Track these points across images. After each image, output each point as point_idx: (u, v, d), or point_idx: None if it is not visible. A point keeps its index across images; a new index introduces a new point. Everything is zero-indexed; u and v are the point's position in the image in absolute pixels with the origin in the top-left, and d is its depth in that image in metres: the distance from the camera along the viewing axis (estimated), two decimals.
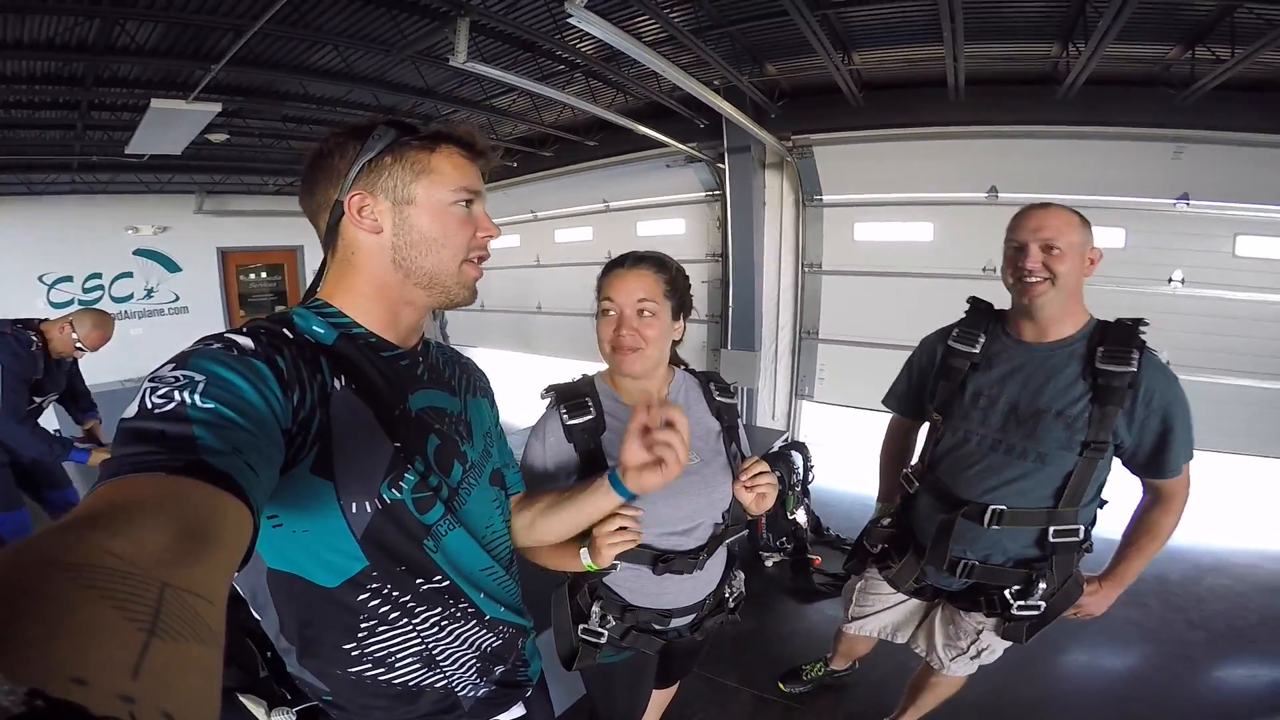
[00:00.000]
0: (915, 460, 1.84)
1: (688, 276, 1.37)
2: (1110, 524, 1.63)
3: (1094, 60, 3.31)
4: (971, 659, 1.75)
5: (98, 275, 6.89)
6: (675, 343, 1.37)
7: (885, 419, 2.00)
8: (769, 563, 3.49)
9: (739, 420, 1.46)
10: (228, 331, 0.69)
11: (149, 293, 7.24)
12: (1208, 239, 4.19)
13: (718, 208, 5.78)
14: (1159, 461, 1.46)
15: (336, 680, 0.83)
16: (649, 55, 3.01)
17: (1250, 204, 4.04)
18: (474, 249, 0.88)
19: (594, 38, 3.15)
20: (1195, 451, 1.47)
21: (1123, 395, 1.41)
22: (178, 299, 7.35)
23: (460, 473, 0.91)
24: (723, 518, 1.36)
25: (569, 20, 2.59)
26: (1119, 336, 1.45)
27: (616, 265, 1.32)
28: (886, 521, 1.86)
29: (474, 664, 0.93)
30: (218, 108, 4.06)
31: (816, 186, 5.23)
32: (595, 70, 4.37)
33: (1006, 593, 1.57)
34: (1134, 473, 1.53)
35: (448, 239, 0.85)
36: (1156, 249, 4.32)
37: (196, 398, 0.57)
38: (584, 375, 1.41)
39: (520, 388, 2.92)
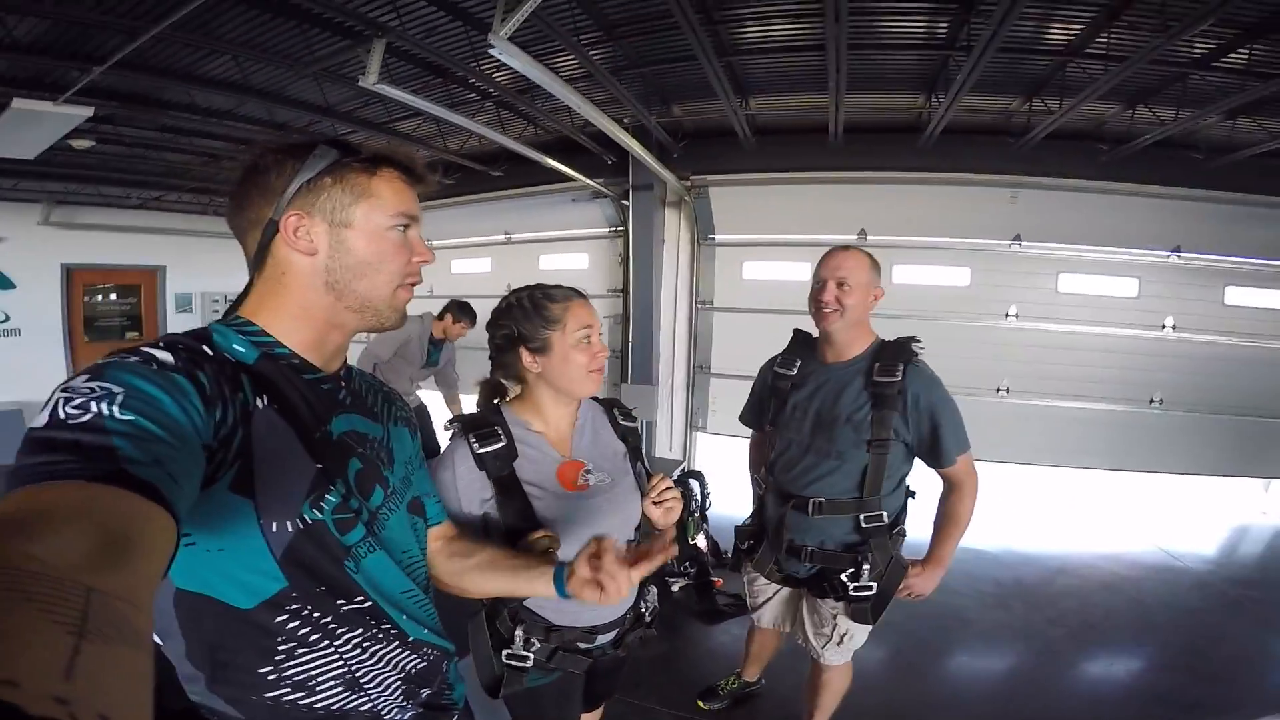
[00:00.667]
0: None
1: None
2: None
3: (951, 110, 3.85)
4: (839, 645, 1.96)
5: None
6: None
7: None
8: (675, 587, 3.57)
9: (641, 442, 1.58)
10: (144, 345, 0.67)
11: None
12: (1037, 277, 4.93)
13: (620, 244, 5.97)
14: (936, 452, 1.76)
15: (251, 707, 0.79)
16: (566, 91, 3.12)
17: (1071, 244, 4.82)
18: (408, 275, 0.88)
19: (508, 68, 3.24)
20: (972, 446, 1.80)
21: (895, 401, 1.73)
22: (8, 319, 6.42)
23: (381, 497, 0.90)
24: (635, 534, 1.42)
25: (490, 52, 2.64)
26: (890, 354, 1.78)
27: (573, 295, 1.37)
28: (749, 521, 2.17)
29: (399, 686, 0.91)
30: (89, 112, 3.72)
31: (710, 226, 5.59)
32: (507, 101, 4.46)
33: (843, 576, 1.82)
34: (929, 465, 1.84)
35: (383, 264, 0.84)
36: (996, 286, 5.01)
37: (115, 409, 0.55)
38: (488, 406, 1.42)
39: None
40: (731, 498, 4.79)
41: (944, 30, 3.34)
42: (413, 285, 0.89)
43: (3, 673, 0.25)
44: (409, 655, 0.92)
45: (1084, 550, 4.26)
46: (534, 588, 1.06)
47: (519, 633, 1.33)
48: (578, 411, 1.44)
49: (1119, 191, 4.56)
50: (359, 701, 0.86)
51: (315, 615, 0.80)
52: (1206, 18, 2.59)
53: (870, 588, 1.80)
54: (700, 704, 2.53)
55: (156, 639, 0.74)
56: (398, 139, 5.18)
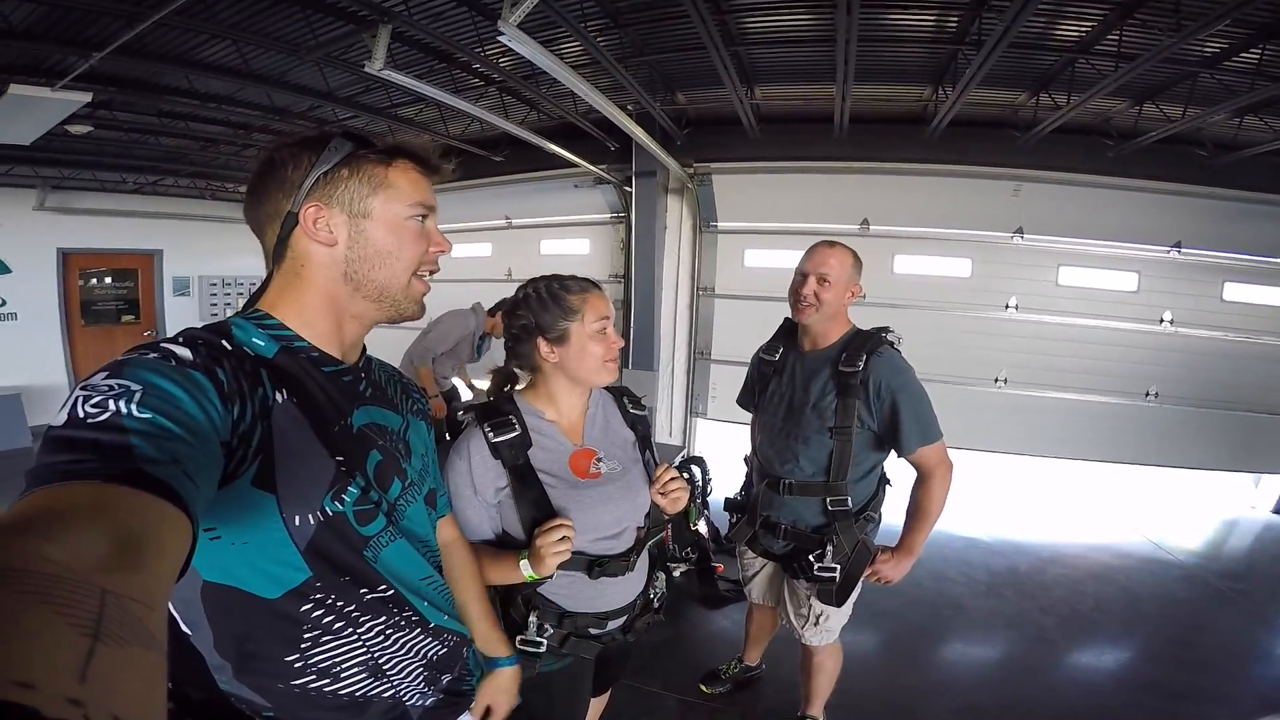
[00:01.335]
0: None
1: None
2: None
3: (958, 103, 3.83)
4: (816, 626, 2.02)
5: None
6: None
7: None
8: (676, 573, 3.61)
9: (651, 430, 1.59)
10: (164, 341, 0.68)
11: None
12: (1037, 269, 4.95)
13: (622, 230, 5.97)
14: (896, 438, 1.80)
15: (278, 694, 0.81)
16: (572, 77, 3.11)
17: (1073, 238, 4.84)
18: (425, 264, 0.89)
19: (513, 54, 3.21)
20: (968, 439, 1.87)
21: (858, 389, 1.78)
22: (4, 304, 6.37)
23: (399, 489, 0.92)
24: (645, 521, 1.45)
25: (499, 39, 2.62)
26: (859, 344, 1.83)
27: (590, 287, 1.37)
28: (738, 494, 2.25)
29: (421, 673, 0.93)
30: (87, 98, 3.66)
31: (713, 213, 5.57)
32: (510, 86, 4.42)
33: (810, 556, 1.88)
34: (896, 453, 1.87)
35: (401, 253, 0.85)
36: (996, 277, 5.03)
37: (133, 407, 0.55)
38: (502, 393, 1.44)
39: None
40: (732, 483, 4.82)
41: (954, 24, 3.32)
42: (430, 274, 0.90)
43: (19, 675, 0.26)
44: (430, 642, 0.94)
45: (1076, 541, 4.33)
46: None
47: (532, 619, 1.36)
48: (589, 400, 1.47)
49: (1122, 186, 4.56)
50: (382, 688, 0.88)
51: (339, 604, 0.81)
52: (1222, 18, 2.57)
53: (833, 569, 1.86)
54: (703, 688, 2.58)
55: (185, 629, 0.77)
56: (399, 124, 5.13)
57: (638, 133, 4.17)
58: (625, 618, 1.47)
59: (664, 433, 6.06)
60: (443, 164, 0.90)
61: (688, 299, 5.89)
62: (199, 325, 0.76)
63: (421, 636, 0.92)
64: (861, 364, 1.78)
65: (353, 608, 0.83)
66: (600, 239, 6.24)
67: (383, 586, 0.86)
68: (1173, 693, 2.65)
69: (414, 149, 0.87)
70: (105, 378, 0.58)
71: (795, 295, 1.87)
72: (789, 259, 1.93)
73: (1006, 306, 5.04)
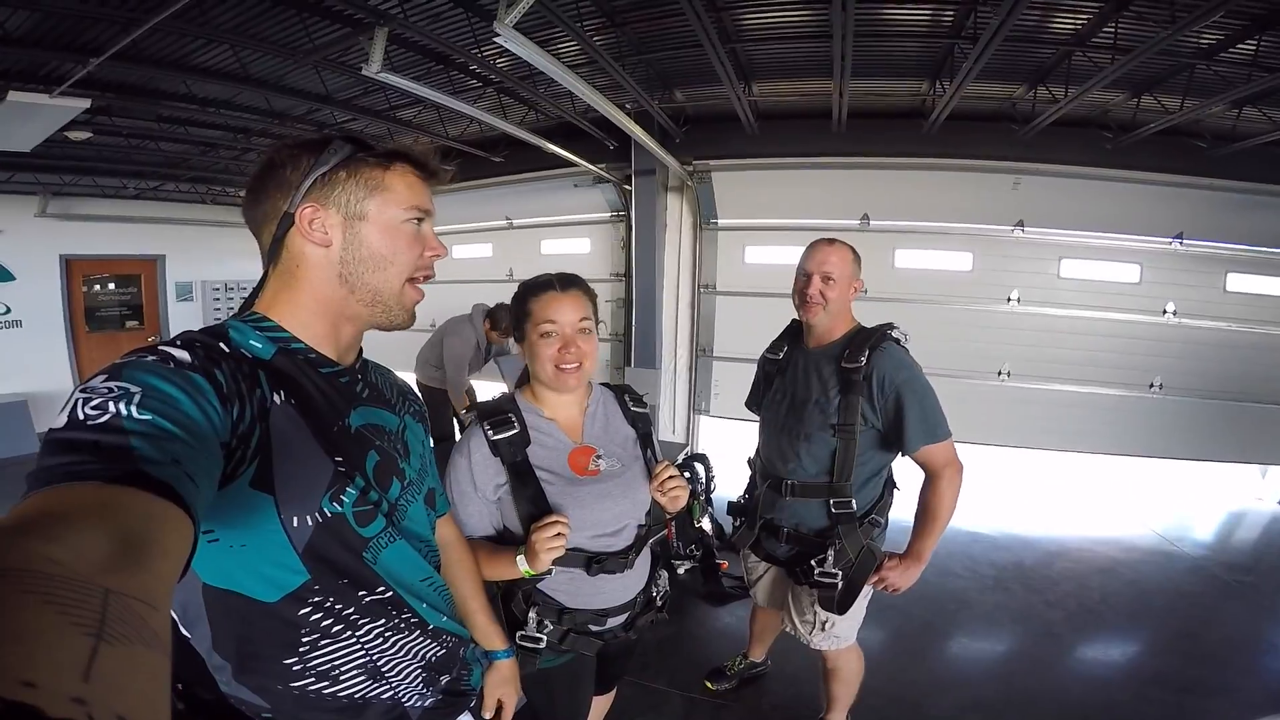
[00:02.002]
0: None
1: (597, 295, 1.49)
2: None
3: (956, 97, 3.83)
4: (823, 632, 1.97)
5: None
6: None
7: None
8: (680, 570, 3.60)
9: (652, 428, 1.58)
10: (162, 344, 0.68)
11: None
12: (1039, 262, 4.94)
13: (622, 228, 5.98)
14: (901, 436, 1.74)
15: (277, 696, 0.81)
16: (570, 77, 3.11)
17: (1074, 230, 4.83)
18: (420, 268, 0.88)
19: (510, 54, 3.22)
20: (971, 433, 1.83)
21: (861, 386, 1.74)
22: (9, 311, 6.40)
23: (399, 489, 0.92)
24: (645, 518, 1.45)
25: (495, 40, 2.63)
26: (862, 340, 1.80)
27: (547, 288, 1.36)
28: (741, 497, 2.20)
29: (420, 674, 0.93)
30: (85, 104, 3.68)
31: (713, 210, 5.58)
32: (508, 87, 4.42)
33: (812, 561, 1.83)
34: (902, 453, 1.82)
35: (396, 256, 0.85)
36: (998, 270, 5.02)
37: (133, 409, 0.56)
38: (503, 394, 1.46)
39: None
40: (735, 481, 4.82)
41: (950, 19, 3.31)
42: (425, 279, 0.90)
43: (23, 674, 0.26)
44: (429, 644, 0.94)
45: (1082, 534, 4.31)
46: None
47: (532, 615, 1.37)
48: (588, 398, 1.47)
49: (1122, 179, 4.55)
50: (380, 690, 0.88)
51: (338, 607, 0.81)
52: (1216, 10, 2.56)
53: (835, 575, 1.79)
54: (708, 684, 2.58)
55: (184, 631, 0.77)
56: (398, 126, 5.14)
57: (636, 131, 4.17)
58: (626, 615, 1.47)
59: (667, 430, 6.06)
60: (441, 168, 0.90)
61: (689, 296, 5.90)
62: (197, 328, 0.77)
63: (420, 638, 0.92)
64: (864, 359, 1.74)
65: (351, 611, 0.83)
66: (601, 238, 6.25)
67: (381, 589, 0.86)
68: (1180, 686, 2.64)
69: (413, 153, 0.87)
70: (104, 380, 0.58)
71: (801, 295, 1.85)
72: (790, 255, 1.92)
73: (1008, 300, 5.03)
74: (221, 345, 0.74)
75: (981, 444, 4.92)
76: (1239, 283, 4.73)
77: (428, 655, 0.94)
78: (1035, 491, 5.12)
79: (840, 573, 1.79)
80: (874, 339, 1.78)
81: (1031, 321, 5.02)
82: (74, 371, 6.88)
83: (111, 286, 7.35)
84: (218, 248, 7.81)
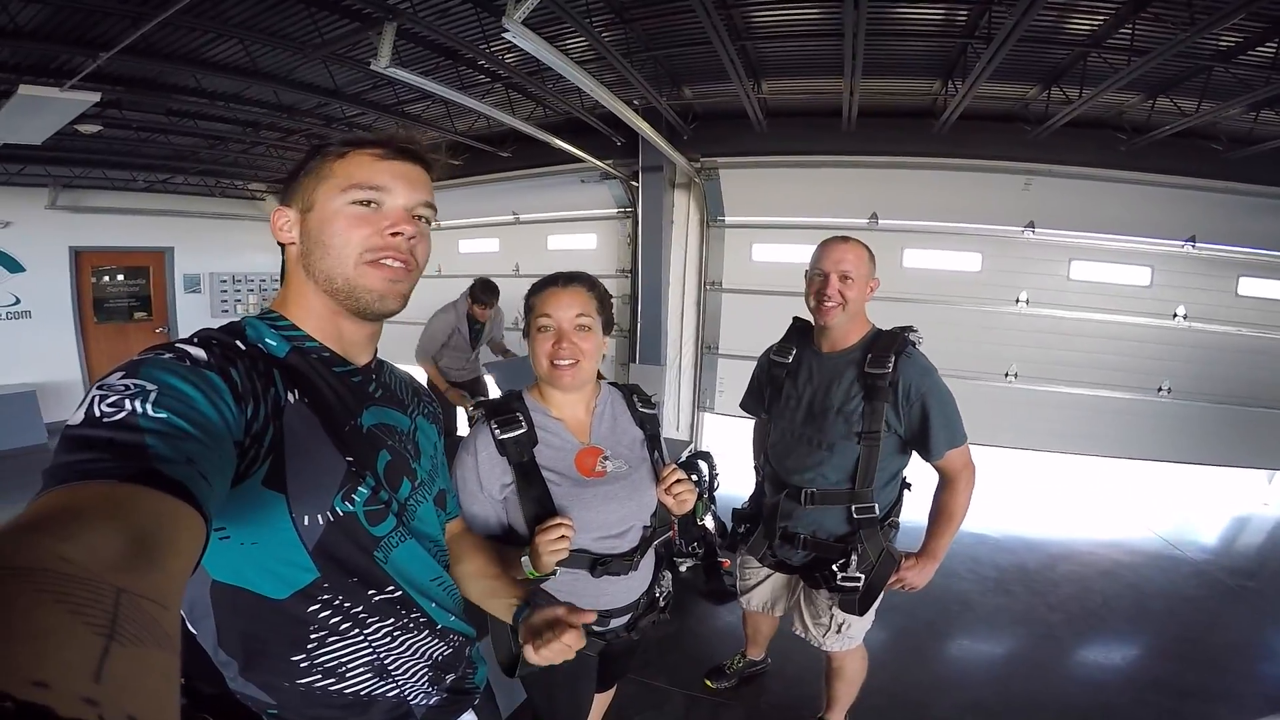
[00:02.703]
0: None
1: (610, 295, 1.46)
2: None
3: (968, 97, 3.79)
4: (838, 634, 1.96)
5: None
6: (601, 358, 1.45)
7: None
8: (683, 568, 3.62)
9: (660, 429, 1.57)
10: (178, 341, 0.69)
11: None
12: (1049, 263, 4.90)
13: (628, 224, 5.96)
14: (925, 443, 1.73)
15: (284, 693, 0.81)
16: (578, 73, 3.10)
17: (1085, 232, 4.79)
18: (379, 249, 0.83)
19: (518, 50, 3.21)
20: (974, 436, 1.78)
21: (887, 392, 1.70)
22: (18, 302, 6.44)
23: (409, 489, 0.92)
24: (650, 520, 1.44)
25: (504, 35, 2.62)
26: (883, 344, 1.76)
27: (550, 284, 1.36)
28: (746, 505, 2.18)
29: (426, 673, 0.93)
30: (95, 97, 3.69)
31: (720, 208, 5.55)
32: (516, 82, 4.41)
33: (834, 566, 1.82)
34: (922, 457, 1.81)
35: (336, 238, 0.82)
36: (1007, 272, 4.99)
37: (149, 407, 0.56)
38: (510, 391, 1.44)
39: None
40: (739, 478, 4.83)
41: (964, 18, 3.27)
42: (387, 261, 0.83)
43: (35, 674, 0.26)
44: (436, 643, 0.94)
45: (1086, 537, 4.30)
46: (498, 614, 1.12)
47: None
48: (595, 398, 1.46)
49: (1135, 180, 4.50)
50: (386, 688, 0.88)
51: (347, 605, 0.82)
52: (1237, 12, 2.53)
53: (858, 579, 1.80)
54: (708, 683, 2.59)
55: (190, 627, 0.78)
56: (406, 120, 5.13)
57: (644, 128, 4.15)
58: (629, 616, 1.47)
59: (671, 427, 6.07)
60: (410, 144, 0.87)
61: (695, 293, 5.89)
62: (212, 323, 0.79)
63: (428, 638, 0.93)
64: (888, 366, 1.70)
65: (360, 609, 0.84)
66: (607, 234, 6.24)
67: (391, 587, 0.87)
68: (1179, 691, 2.64)
69: (369, 138, 0.86)
70: (121, 378, 0.59)
71: (818, 296, 1.77)
72: (798, 253, 1.90)
73: (1017, 301, 5.00)
74: (238, 343, 0.75)
75: (987, 445, 4.89)
76: (1251, 287, 4.67)
77: (434, 654, 0.94)
78: (1040, 494, 5.11)
79: (862, 576, 1.80)
80: (897, 344, 1.74)
81: (1040, 323, 4.99)
82: (82, 362, 6.94)
83: (120, 278, 7.40)
84: (226, 240, 7.87)
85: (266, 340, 0.80)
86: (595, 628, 1.42)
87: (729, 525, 3.96)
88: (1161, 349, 4.82)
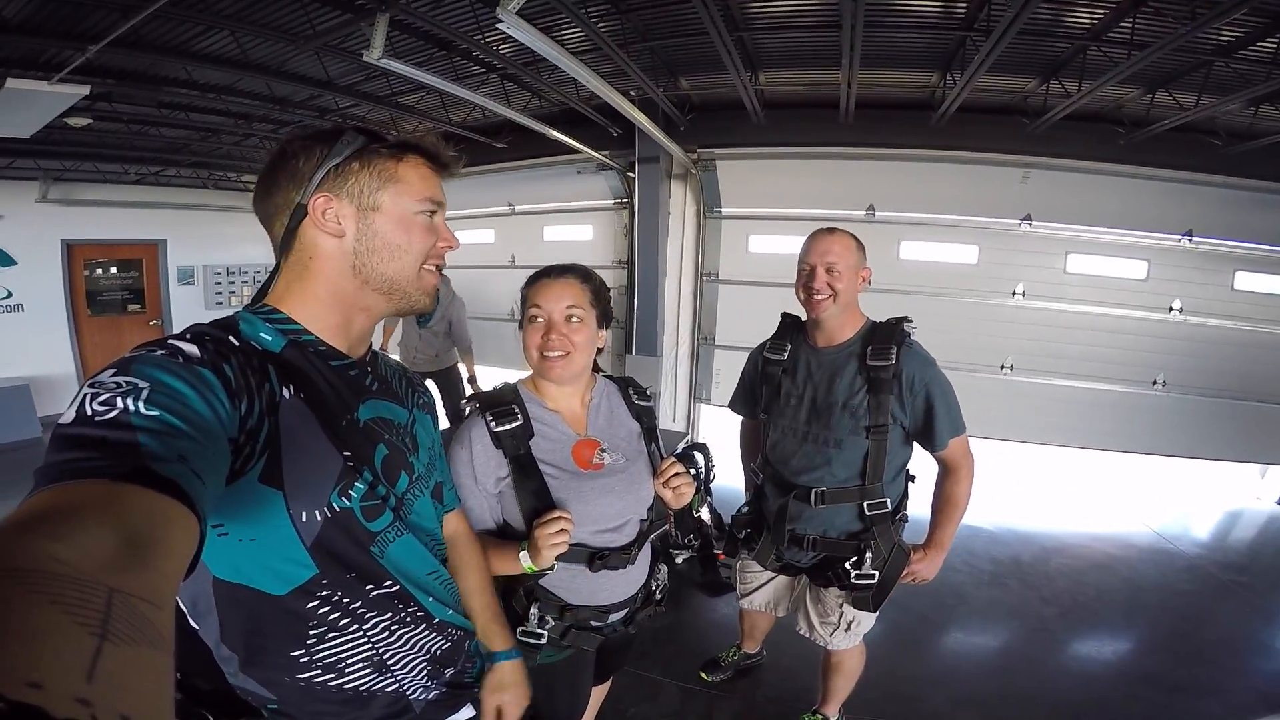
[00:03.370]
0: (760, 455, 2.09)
1: (609, 288, 1.45)
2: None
3: (966, 90, 3.76)
4: (846, 632, 1.95)
5: None
6: (598, 351, 1.43)
7: None
8: (679, 560, 3.61)
9: (656, 422, 1.57)
10: (171, 338, 0.68)
11: None
12: (1045, 256, 4.90)
13: (625, 215, 5.94)
14: (930, 434, 1.73)
15: (284, 688, 0.82)
16: (573, 64, 3.06)
17: (1082, 225, 4.79)
18: (432, 258, 0.89)
19: (513, 40, 3.17)
20: (970, 427, 1.77)
21: (890, 384, 1.69)
22: (10, 295, 6.40)
23: (406, 483, 0.92)
24: (648, 514, 1.44)
25: (498, 26, 2.59)
26: (883, 336, 1.74)
27: (543, 275, 1.36)
28: (745, 509, 2.13)
29: (425, 667, 0.94)
30: (85, 90, 3.64)
31: (717, 199, 5.52)
32: (511, 73, 4.36)
33: (847, 564, 1.81)
34: (925, 449, 1.81)
35: (411, 246, 0.86)
36: (1004, 264, 4.98)
37: (141, 405, 0.56)
38: (505, 383, 1.43)
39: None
40: (736, 470, 4.82)
41: (963, 10, 3.24)
42: (430, 267, 0.91)
43: (28, 675, 0.26)
44: (434, 637, 0.95)
45: (1080, 530, 4.33)
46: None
47: (534, 611, 1.37)
48: (591, 391, 1.46)
49: (1133, 175, 4.48)
50: (386, 682, 0.89)
51: (345, 600, 0.82)
52: (1238, 7, 2.50)
53: (872, 576, 1.79)
54: (703, 675, 2.60)
55: (193, 623, 0.79)
56: (400, 111, 5.09)
57: (640, 119, 4.11)
58: (627, 610, 1.48)
59: (668, 419, 6.07)
60: (453, 160, 0.91)
61: (691, 284, 5.87)
62: (205, 317, 0.78)
63: (426, 632, 0.93)
64: (894, 357, 1.69)
65: (359, 604, 0.84)
66: (604, 225, 6.20)
67: (389, 582, 0.87)
68: (1171, 685, 2.67)
69: (426, 145, 0.88)
70: (113, 375, 0.59)
71: (806, 289, 1.75)
72: (794, 245, 1.85)
73: (1013, 294, 5.00)
74: (231, 339, 0.74)
75: (983, 438, 4.89)
76: (1247, 281, 4.67)
77: (433, 648, 0.95)
78: (1034, 487, 5.14)
79: (876, 573, 1.79)
80: (897, 335, 1.73)
81: (1036, 316, 4.99)
82: (75, 356, 6.90)
83: (113, 271, 7.32)
84: (219, 232, 7.80)
85: (261, 335, 0.79)
86: (594, 623, 1.43)
87: (724, 518, 4.00)
88: (1157, 342, 4.82)
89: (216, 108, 4.84)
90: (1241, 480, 5.26)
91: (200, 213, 7.66)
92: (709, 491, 4.11)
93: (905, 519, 1.87)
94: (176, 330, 0.72)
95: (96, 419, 0.53)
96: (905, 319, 1.77)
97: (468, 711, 1.05)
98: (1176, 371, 4.84)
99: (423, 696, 0.95)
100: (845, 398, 1.75)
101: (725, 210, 5.59)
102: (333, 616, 0.82)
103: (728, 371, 5.78)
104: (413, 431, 0.98)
